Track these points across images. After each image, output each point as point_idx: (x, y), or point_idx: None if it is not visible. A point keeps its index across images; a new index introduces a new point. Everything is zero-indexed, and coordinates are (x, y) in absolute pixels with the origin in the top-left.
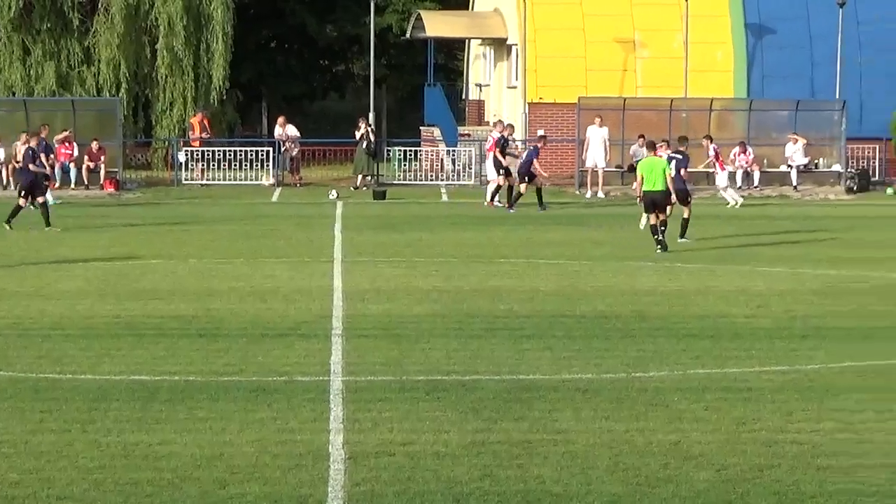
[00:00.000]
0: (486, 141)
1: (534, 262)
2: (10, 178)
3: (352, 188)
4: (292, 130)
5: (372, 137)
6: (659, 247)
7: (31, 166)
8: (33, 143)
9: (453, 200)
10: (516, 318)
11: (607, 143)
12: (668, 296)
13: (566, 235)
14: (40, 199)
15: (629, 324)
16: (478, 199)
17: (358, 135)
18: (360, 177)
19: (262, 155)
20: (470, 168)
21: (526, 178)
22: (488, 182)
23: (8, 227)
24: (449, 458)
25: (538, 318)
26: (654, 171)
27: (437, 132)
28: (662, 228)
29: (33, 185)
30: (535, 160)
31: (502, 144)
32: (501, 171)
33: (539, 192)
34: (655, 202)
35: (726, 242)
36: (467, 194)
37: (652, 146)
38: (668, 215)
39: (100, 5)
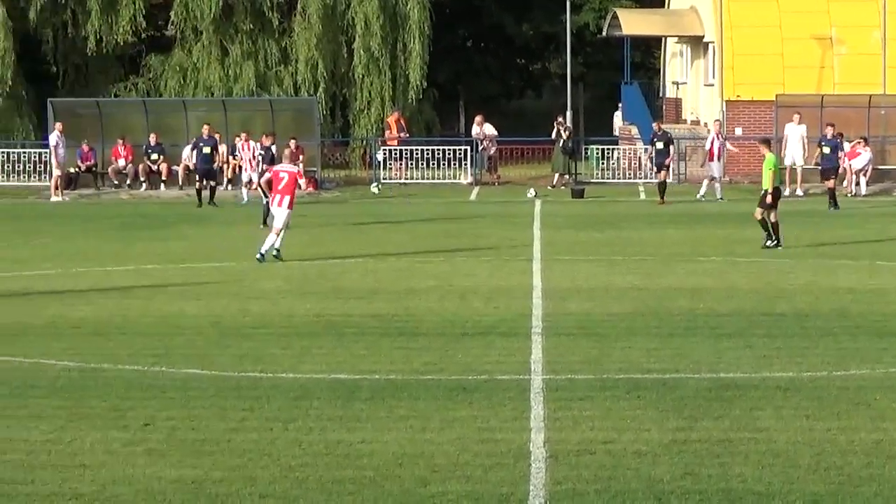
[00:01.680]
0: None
1: (732, 259)
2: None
3: (549, 187)
4: (490, 129)
5: (564, 135)
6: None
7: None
8: (267, 143)
9: (651, 199)
10: (716, 317)
11: (805, 141)
12: (869, 293)
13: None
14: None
15: (829, 322)
16: (677, 197)
17: (554, 133)
18: (557, 175)
19: (460, 154)
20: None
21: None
22: (708, 179)
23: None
24: (650, 457)
25: (738, 317)
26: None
27: (634, 130)
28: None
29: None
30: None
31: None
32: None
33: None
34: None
35: None
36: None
37: (767, 143)
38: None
39: (298, 6)
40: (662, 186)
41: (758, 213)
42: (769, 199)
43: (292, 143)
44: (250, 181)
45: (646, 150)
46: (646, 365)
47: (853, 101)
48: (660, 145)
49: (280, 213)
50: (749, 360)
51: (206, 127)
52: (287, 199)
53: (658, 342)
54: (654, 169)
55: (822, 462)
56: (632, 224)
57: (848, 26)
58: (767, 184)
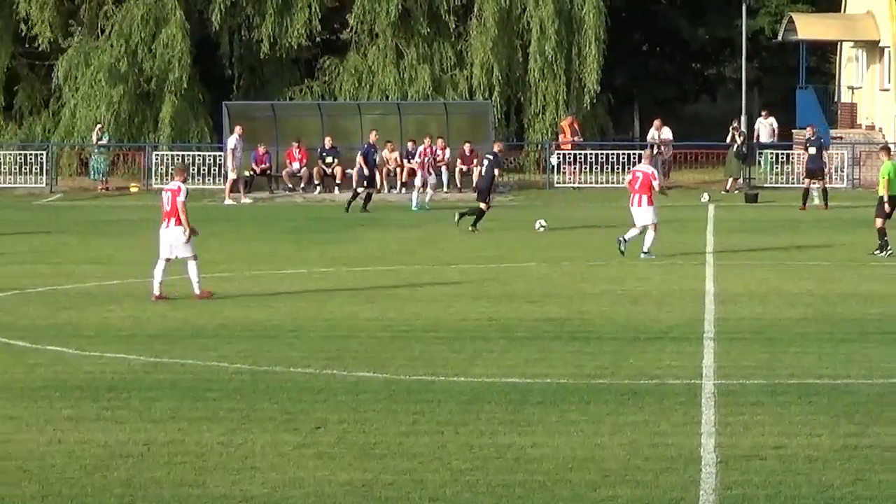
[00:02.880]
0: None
1: None
2: (385, 182)
3: (723, 192)
4: (667, 133)
5: (738, 140)
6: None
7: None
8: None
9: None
10: (890, 322)
11: None
12: None
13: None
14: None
15: None
16: (849, 201)
17: (729, 138)
18: (731, 180)
19: (634, 158)
20: (842, 171)
21: None
22: None
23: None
24: (820, 462)
25: None
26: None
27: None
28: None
29: None
30: None
31: None
32: None
33: None
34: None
35: None
36: (839, 197)
37: (887, 150)
38: None
39: (474, 9)
40: (806, 193)
41: (878, 221)
42: (886, 207)
43: (466, 146)
44: (424, 184)
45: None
46: (817, 370)
47: None
48: (812, 151)
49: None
50: None
51: (374, 133)
52: (644, 197)
53: (830, 347)
54: (805, 175)
55: None
56: (805, 229)
57: None
58: (883, 191)
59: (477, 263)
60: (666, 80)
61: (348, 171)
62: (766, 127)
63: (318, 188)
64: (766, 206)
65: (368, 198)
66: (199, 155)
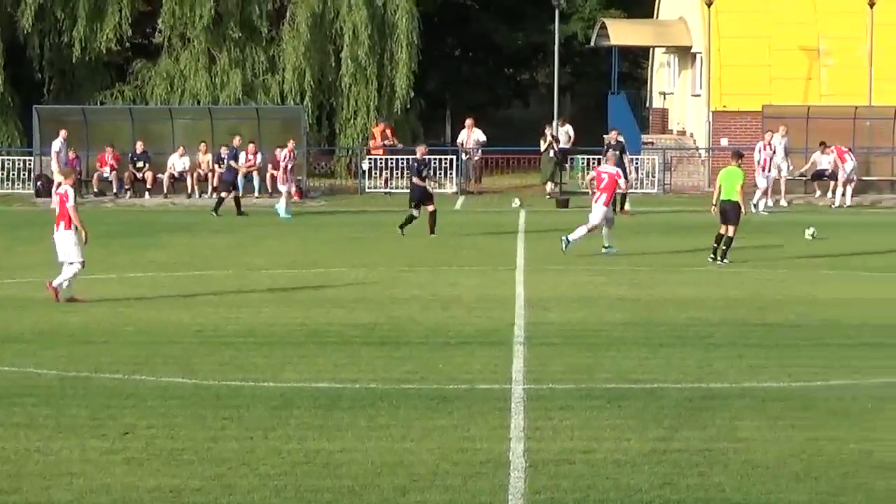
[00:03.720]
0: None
1: (718, 271)
2: (196, 187)
3: (547, 196)
4: (479, 135)
5: (556, 146)
6: (713, 256)
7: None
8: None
9: (636, 209)
10: (706, 327)
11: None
12: (860, 304)
13: (752, 243)
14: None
15: (820, 332)
16: (661, 206)
17: (546, 144)
18: (550, 184)
19: (446, 163)
20: (653, 176)
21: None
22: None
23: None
24: (629, 466)
25: (728, 327)
26: (731, 181)
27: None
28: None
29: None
30: None
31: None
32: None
33: None
34: (725, 213)
35: None
36: (651, 203)
37: (737, 155)
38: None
39: (287, 14)
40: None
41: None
42: (713, 210)
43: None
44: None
45: (631, 160)
46: (630, 375)
47: (839, 113)
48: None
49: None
50: (737, 370)
51: (237, 137)
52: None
53: (646, 352)
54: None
55: (806, 472)
56: (617, 234)
57: (835, 38)
58: (735, 196)
59: (288, 269)
60: (478, 85)
61: (159, 175)
62: (562, 135)
63: (129, 193)
64: (578, 210)
65: (237, 202)
66: (9, 159)
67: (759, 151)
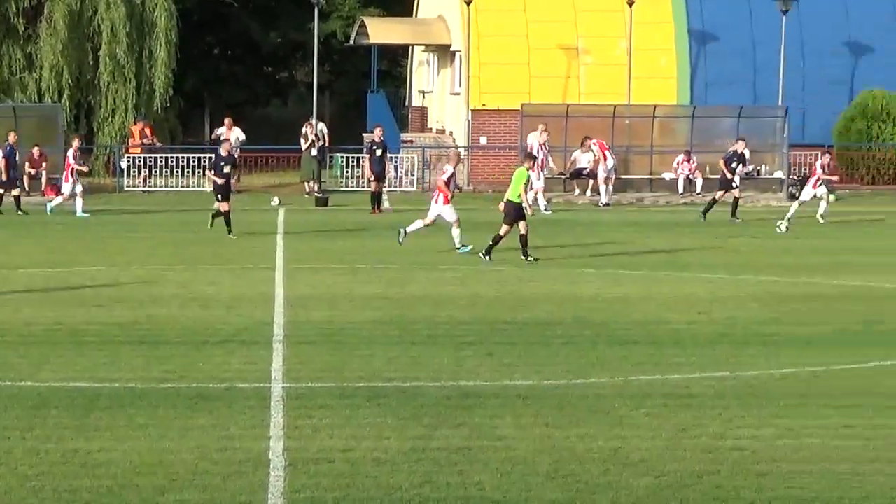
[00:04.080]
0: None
1: (475, 268)
2: None
3: (305, 195)
4: (238, 133)
5: (317, 144)
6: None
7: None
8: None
9: (396, 207)
10: (458, 325)
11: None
12: (610, 302)
13: (506, 242)
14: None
15: (571, 330)
16: (420, 206)
17: (306, 142)
18: (310, 182)
19: (205, 161)
20: (412, 175)
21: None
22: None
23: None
24: (389, 465)
25: (479, 325)
26: (516, 181)
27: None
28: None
29: None
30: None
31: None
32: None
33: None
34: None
35: (668, 249)
36: (410, 201)
37: (529, 157)
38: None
39: (44, 11)
40: (378, 196)
41: (505, 228)
42: (514, 212)
43: (35, 150)
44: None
45: (390, 158)
46: (386, 373)
47: (598, 111)
48: (379, 153)
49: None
50: (490, 368)
51: (12, 133)
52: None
53: (399, 350)
54: (373, 177)
55: (560, 469)
56: (375, 233)
57: (594, 37)
58: (516, 196)
59: (45, 268)
60: (237, 84)
61: None
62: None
63: None
64: (337, 209)
65: (17, 200)
66: None
67: (538, 152)
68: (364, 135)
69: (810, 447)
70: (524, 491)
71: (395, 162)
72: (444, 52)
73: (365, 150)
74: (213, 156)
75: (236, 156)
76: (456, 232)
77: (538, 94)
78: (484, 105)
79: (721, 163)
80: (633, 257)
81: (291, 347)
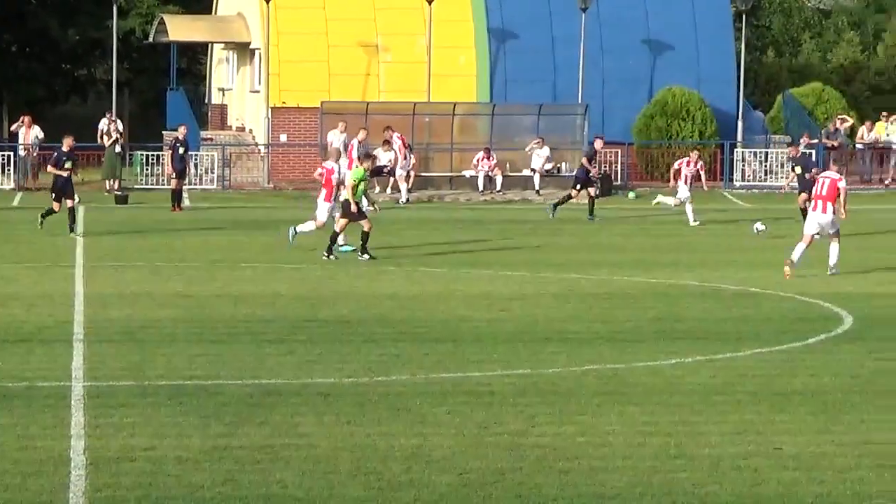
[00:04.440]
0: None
1: (276, 266)
2: None
3: (105, 192)
4: (37, 131)
5: (121, 141)
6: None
7: None
8: None
9: (196, 205)
10: (258, 323)
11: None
12: (411, 300)
13: (308, 240)
14: None
15: (371, 328)
16: (219, 202)
17: (109, 139)
18: (111, 180)
19: (3, 159)
20: (212, 172)
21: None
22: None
23: None
24: (191, 463)
25: (280, 323)
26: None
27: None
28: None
29: None
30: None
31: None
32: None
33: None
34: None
35: (469, 247)
36: (210, 198)
37: (367, 157)
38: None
39: None
40: (178, 194)
41: (366, 224)
42: (354, 208)
43: None
44: None
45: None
46: (188, 371)
47: (398, 109)
48: (181, 151)
49: None
50: (291, 366)
51: None
52: None
53: (200, 348)
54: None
55: (362, 467)
56: (176, 231)
57: (394, 34)
58: (356, 195)
59: None
60: (36, 81)
61: None
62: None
63: None
64: (137, 207)
65: None
66: None
67: (355, 149)
68: (164, 132)
69: (612, 444)
70: (326, 489)
71: (196, 160)
72: (243, 50)
73: (168, 147)
74: (55, 152)
75: (35, 154)
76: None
77: (338, 91)
78: (283, 103)
79: (584, 160)
80: (434, 255)
81: (92, 346)
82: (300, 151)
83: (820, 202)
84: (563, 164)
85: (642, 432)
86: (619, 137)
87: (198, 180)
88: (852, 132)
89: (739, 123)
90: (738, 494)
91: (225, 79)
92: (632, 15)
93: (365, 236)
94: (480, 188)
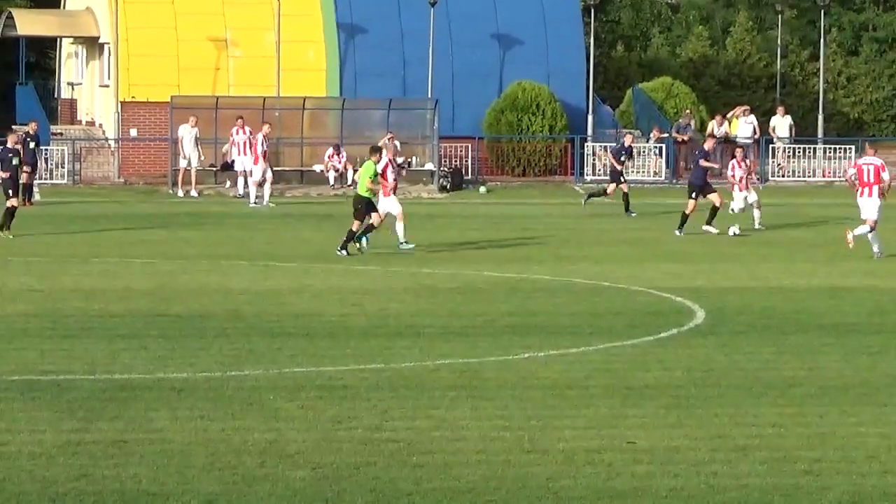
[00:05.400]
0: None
1: (127, 261)
2: None
3: None
4: None
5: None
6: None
7: None
8: None
9: (47, 200)
10: (110, 318)
11: (198, 142)
12: (263, 294)
13: (159, 235)
14: None
15: (224, 323)
16: (70, 197)
17: None
18: None
19: None
20: (63, 167)
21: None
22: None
23: None
24: (44, 458)
25: (132, 318)
26: (363, 176)
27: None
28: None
29: None
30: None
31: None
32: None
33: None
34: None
35: (320, 241)
36: (61, 193)
37: (374, 150)
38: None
39: None
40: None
41: (356, 224)
42: (364, 206)
43: None
44: None
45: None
46: (40, 367)
47: (248, 103)
48: (32, 145)
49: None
50: (144, 361)
51: None
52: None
53: (52, 343)
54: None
55: (216, 462)
56: (26, 226)
57: (242, 29)
58: (364, 191)
59: None
60: None
61: None
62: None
63: None
64: None
65: None
66: None
67: (262, 144)
68: (14, 126)
69: (466, 438)
70: (181, 483)
71: (46, 154)
72: (92, 44)
73: (20, 141)
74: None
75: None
76: (400, 226)
77: (188, 86)
78: (133, 97)
79: (610, 156)
80: (284, 250)
81: None
82: (150, 146)
83: (866, 189)
84: (413, 158)
85: (496, 426)
86: (469, 132)
87: (48, 175)
88: (702, 126)
89: (590, 118)
90: (592, 488)
91: (74, 73)
92: (481, 9)
93: (370, 228)
94: (331, 183)
